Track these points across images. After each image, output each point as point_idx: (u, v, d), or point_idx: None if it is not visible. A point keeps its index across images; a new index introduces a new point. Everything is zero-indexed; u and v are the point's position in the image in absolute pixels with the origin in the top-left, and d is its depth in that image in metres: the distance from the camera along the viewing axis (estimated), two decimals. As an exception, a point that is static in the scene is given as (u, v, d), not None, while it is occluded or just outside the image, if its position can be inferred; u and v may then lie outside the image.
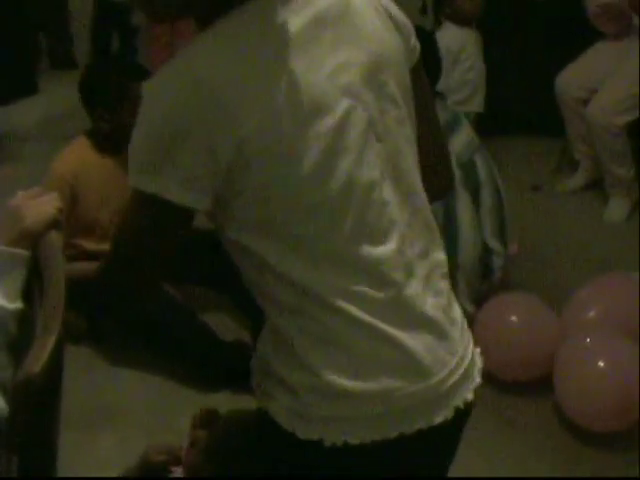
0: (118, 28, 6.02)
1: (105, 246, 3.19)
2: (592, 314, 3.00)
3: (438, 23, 4.24)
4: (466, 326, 1.53)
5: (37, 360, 1.30)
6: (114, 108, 3.17)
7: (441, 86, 3.97)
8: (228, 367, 3.03)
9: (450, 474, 2.58)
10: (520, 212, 3.90)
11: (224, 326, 3.22)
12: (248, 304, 3.33)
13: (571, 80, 4.20)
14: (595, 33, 4.22)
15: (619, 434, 2.78)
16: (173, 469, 1.96)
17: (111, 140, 3.23)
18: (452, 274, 3.09)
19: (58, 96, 4.95)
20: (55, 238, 1.56)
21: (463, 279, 3.03)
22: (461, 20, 4.17)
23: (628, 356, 2.77)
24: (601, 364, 2.75)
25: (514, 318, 3.00)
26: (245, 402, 2.95)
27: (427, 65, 3.22)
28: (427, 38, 3.15)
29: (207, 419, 1.98)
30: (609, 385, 2.71)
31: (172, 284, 3.30)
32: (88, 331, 3.25)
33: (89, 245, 3.22)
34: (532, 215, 4.11)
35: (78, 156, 3.23)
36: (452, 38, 4.11)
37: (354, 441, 1.35)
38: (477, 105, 4.26)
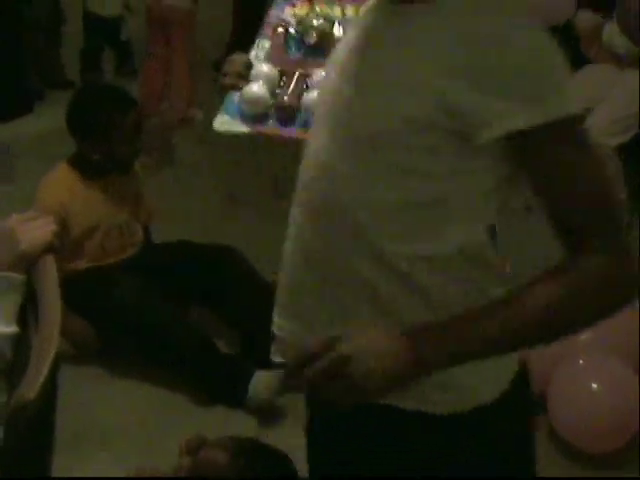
0: (110, 45, 6.05)
1: (101, 262, 3.23)
2: (586, 335, 2.99)
3: None
4: None
5: (32, 386, 1.30)
6: (102, 138, 3.18)
7: None
8: (226, 379, 3.03)
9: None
10: (512, 232, 3.90)
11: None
12: (238, 321, 3.37)
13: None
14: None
15: (613, 455, 2.78)
16: None
17: (97, 167, 3.23)
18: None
19: (52, 115, 4.95)
20: (50, 262, 1.56)
21: None
22: None
23: (622, 377, 2.78)
24: (595, 385, 2.75)
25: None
26: (240, 418, 2.97)
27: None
28: None
29: (194, 446, 1.98)
30: (603, 406, 2.72)
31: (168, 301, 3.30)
32: (99, 345, 3.24)
33: (78, 266, 3.22)
34: (525, 235, 4.12)
35: (64, 185, 3.23)
36: None
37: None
38: None
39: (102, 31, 5.88)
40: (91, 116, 3.23)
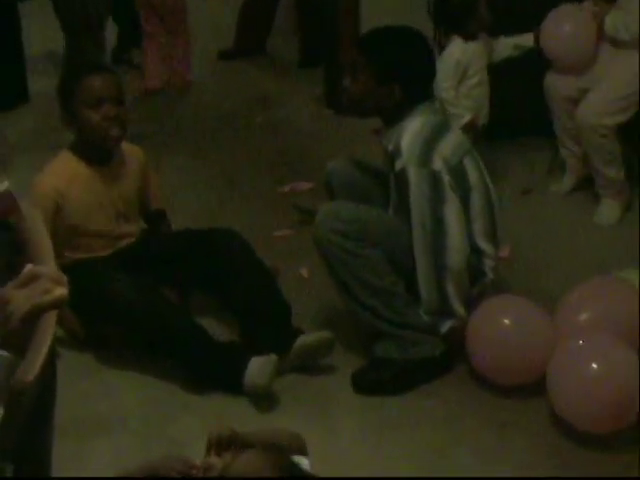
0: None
1: (94, 254, 3.22)
2: (585, 317, 3.00)
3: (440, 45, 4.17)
4: None
5: (30, 370, 1.30)
6: (67, 105, 3.16)
7: (446, 96, 4.01)
8: (221, 368, 3.02)
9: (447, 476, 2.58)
10: (511, 216, 3.92)
11: (213, 329, 3.21)
12: (238, 305, 3.37)
13: (561, 78, 4.21)
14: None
15: (613, 436, 2.78)
16: None
17: (95, 151, 3.21)
18: (441, 278, 3.11)
19: (49, 106, 4.95)
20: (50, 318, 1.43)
21: (452, 283, 3.03)
22: (472, 35, 4.11)
23: (621, 358, 2.78)
24: (594, 366, 2.75)
25: (507, 322, 3.00)
26: (238, 405, 2.98)
27: (422, 67, 3.23)
28: (421, 40, 3.16)
29: (225, 443, 1.93)
30: (603, 387, 2.72)
31: (163, 285, 3.30)
32: (85, 333, 3.23)
33: (78, 255, 3.21)
34: (524, 218, 4.12)
35: (62, 170, 3.20)
36: (462, 53, 4.08)
37: None
38: (482, 117, 4.22)
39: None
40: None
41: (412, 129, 3.03)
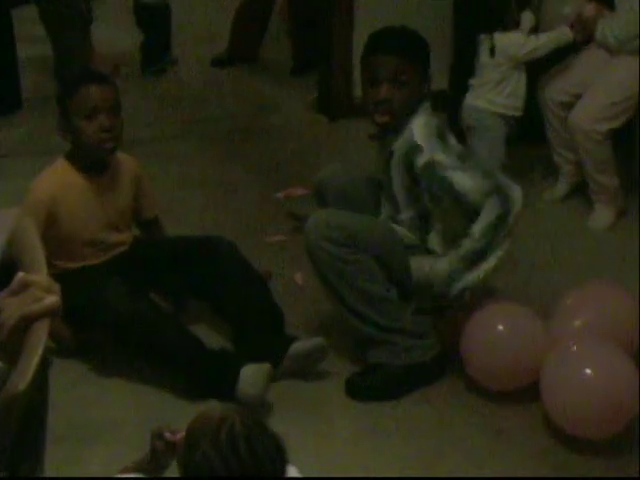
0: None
1: (86, 262, 3.22)
2: (578, 322, 3.00)
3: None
4: None
5: (22, 378, 1.29)
6: (62, 113, 3.15)
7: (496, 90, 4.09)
8: (214, 376, 3.02)
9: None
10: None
11: (206, 336, 3.21)
12: (231, 313, 3.36)
13: (554, 83, 4.21)
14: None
15: (610, 441, 2.78)
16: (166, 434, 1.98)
17: (90, 160, 3.21)
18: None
19: (43, 112, 4.95)
20: (42, 328, 1.42)
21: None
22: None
23: (615, 363, 2.78)
24: (588, 371, 2.75)
25: (500, 327, 3.00)
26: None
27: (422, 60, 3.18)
28: (419, 39, 3.15)
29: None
30: (596, 392, 2.72)
31: (156, 292, 3.30)
32: (77, 344, 3.23)
33: (69, 265, 3.20)
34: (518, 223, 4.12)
35: (57, 178, 3.19)
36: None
37: None
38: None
39: (153, 20, 5.86)
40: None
41: (420, 125, 3.01)
